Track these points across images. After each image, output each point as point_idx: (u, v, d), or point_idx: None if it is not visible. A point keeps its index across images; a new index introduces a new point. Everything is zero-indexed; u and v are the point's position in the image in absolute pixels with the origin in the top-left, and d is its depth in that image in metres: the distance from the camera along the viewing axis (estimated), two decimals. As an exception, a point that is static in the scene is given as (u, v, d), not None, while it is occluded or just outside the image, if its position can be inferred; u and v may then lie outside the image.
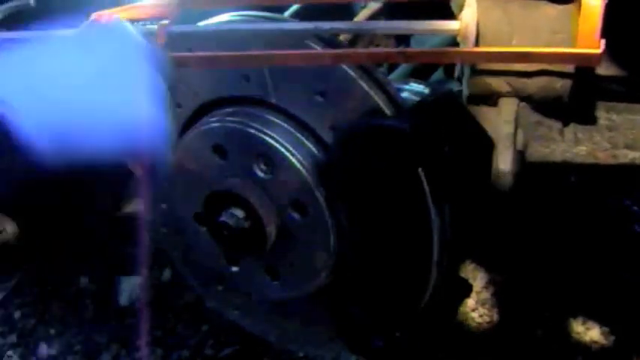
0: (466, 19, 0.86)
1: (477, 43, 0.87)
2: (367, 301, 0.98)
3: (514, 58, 0.84)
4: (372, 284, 0.98)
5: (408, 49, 1.06)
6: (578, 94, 0.92)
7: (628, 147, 0.93)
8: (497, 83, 0.93)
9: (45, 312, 1.88)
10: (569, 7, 0.84)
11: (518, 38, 0.88)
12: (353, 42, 1.15)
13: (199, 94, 1.02)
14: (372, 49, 0.93)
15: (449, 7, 0.96)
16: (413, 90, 1.07)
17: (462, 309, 1.69)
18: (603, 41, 0.74)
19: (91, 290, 1.94)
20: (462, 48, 0.86)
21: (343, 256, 0.96)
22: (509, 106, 0.93)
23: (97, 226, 2.00)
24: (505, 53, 0.83)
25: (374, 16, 1.17)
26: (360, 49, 1.04)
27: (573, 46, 0.81)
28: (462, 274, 1.76)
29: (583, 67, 0.89)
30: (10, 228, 2.17)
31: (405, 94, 1.04)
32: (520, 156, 0.93)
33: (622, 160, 0.93)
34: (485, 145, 0.91)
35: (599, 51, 0.74)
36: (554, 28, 0.86)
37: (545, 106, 0.94)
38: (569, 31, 0.84)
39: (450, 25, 0.86)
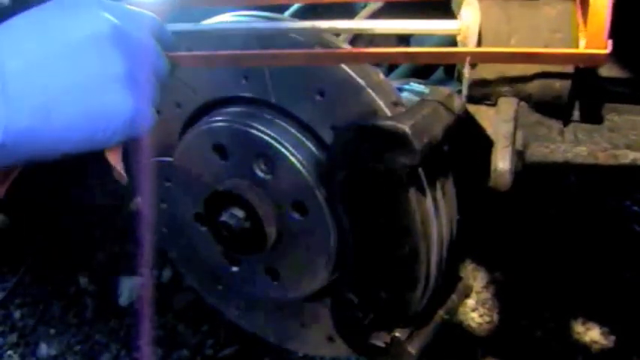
0: (467, 19, 0.86)
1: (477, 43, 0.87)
2: (367, 300, 0.98)
3: (517, 58, 0.83)
4: (372, 284, 0.98)
5: (410, 49, 1.06)
6: (578, 95, 0.93)
7: (629, 147, 0.93)
8: (497, 83, 0.93)
9: (45, 312, 1.89)
10: (569, 7, 0.84)
11: (518, 37, 0.88)
12: (353, 42, 1.15)
13: (199, 93, 1.02)
14: (372, 49, 0.93)
15: (450, 7, 0.96)
16: (413, 90, 1.07)
17: (462, 309, 1.69)
18: (610, 41, 0.74)
19: (91, 290, 1.95)
20: (466, 48, 0.86)
21: (343, 255, 0.96)
22: (508, 106, 0.93)
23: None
24: (508, 53, 0.83)
25: (374, 16, 1.17)
26: (359, 49, 1.04)
27: (573, 46, 0.81)
28: (462, 274, 1.76)
29: (586, 68, 0.89)
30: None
31: (405, 94, 1.04)
32: (520, 156, 0.93)
33: (622, 160, 0.93)
34: (485, 145, 0.91)
35: (606, 51, 0.73)
36: (553, 27, 0.86)
37: (545, 105, 0.94)
38: (568, 30, 0.84)
39: (450, 25, 0.86)
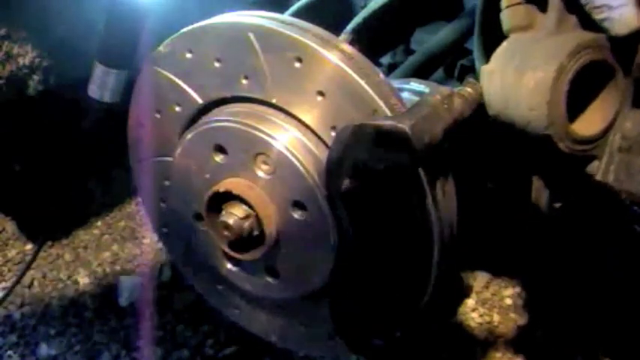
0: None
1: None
2: (368, 300, 0.98)
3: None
4: (372, 284, 0.98)
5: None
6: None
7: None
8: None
9: (45, 312, 1.89)
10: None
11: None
12: (352, 42, 1.15)
13: (199, 93, 1.02)
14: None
15: (452, 7, 0.96)
16: (413, 90, 1.07)
17: (462, 309, 1.69)
18: None
19: (91, 290, 1.95)
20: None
21: (344, 255, 0.96)
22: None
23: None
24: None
25: (374, 16, 1.17)
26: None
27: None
28: (462, 274, 1.76)
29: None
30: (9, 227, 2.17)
31: (405, 94, 1.04)
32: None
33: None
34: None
35: None
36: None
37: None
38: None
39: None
